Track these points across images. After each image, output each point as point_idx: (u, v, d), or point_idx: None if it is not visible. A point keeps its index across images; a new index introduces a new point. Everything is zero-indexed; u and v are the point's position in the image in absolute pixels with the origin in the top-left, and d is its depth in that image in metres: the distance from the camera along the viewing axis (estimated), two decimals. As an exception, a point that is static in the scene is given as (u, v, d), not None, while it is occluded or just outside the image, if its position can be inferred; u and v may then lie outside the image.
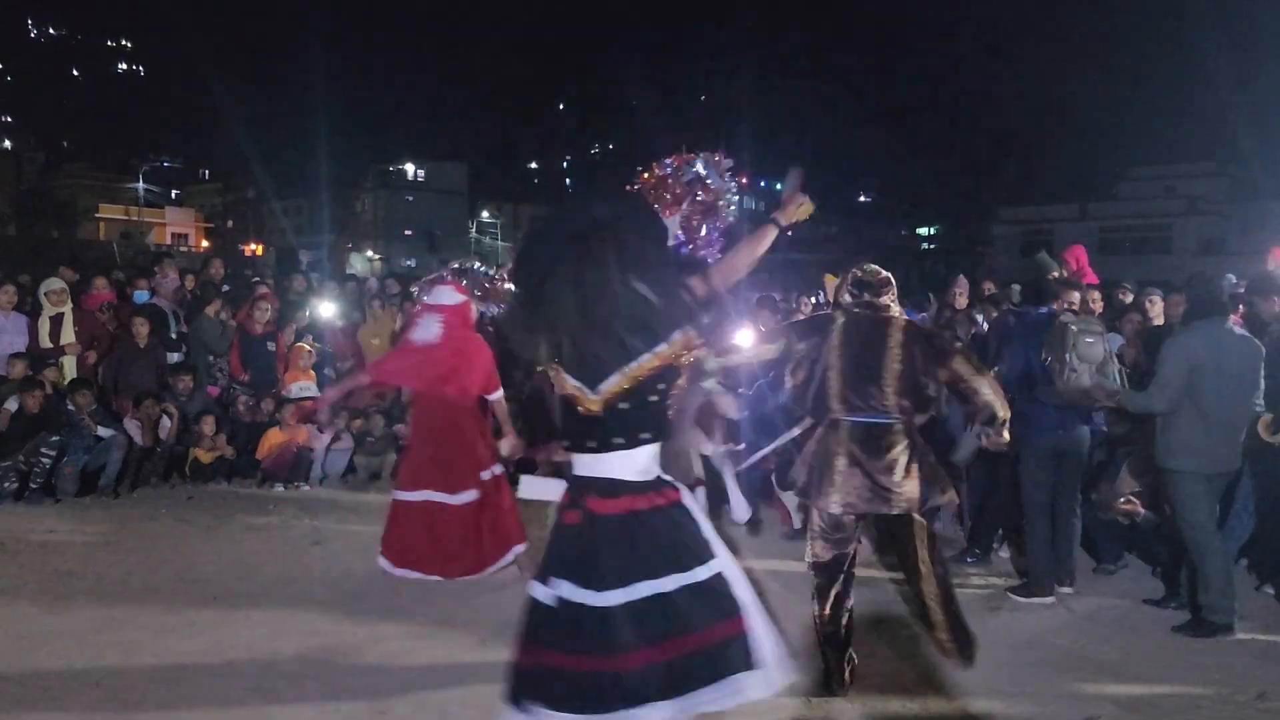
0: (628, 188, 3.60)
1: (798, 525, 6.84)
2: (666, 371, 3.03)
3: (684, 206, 3.57)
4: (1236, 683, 4.45)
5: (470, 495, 5.70)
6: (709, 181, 3.60)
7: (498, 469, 5.84)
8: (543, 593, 2.98)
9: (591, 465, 3.05)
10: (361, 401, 8.67)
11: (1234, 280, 9.76)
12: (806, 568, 4.34)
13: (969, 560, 6.38)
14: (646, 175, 3.67)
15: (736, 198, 3.76)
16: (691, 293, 3.06)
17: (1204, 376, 5.02)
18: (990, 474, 6.58)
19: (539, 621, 2.99)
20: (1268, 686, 4.41)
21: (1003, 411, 4.22)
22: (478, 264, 6.39)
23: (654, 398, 3.02)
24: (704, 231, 3.58)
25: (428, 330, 5.60)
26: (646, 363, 3.01)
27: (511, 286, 3.11)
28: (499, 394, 5.86)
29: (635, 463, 3.07)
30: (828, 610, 4.18)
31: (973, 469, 6.91)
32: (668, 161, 3.71)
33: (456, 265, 6.69)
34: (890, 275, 4.39)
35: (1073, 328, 5.48)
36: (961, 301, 8.51)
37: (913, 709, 4.10)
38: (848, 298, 4.33)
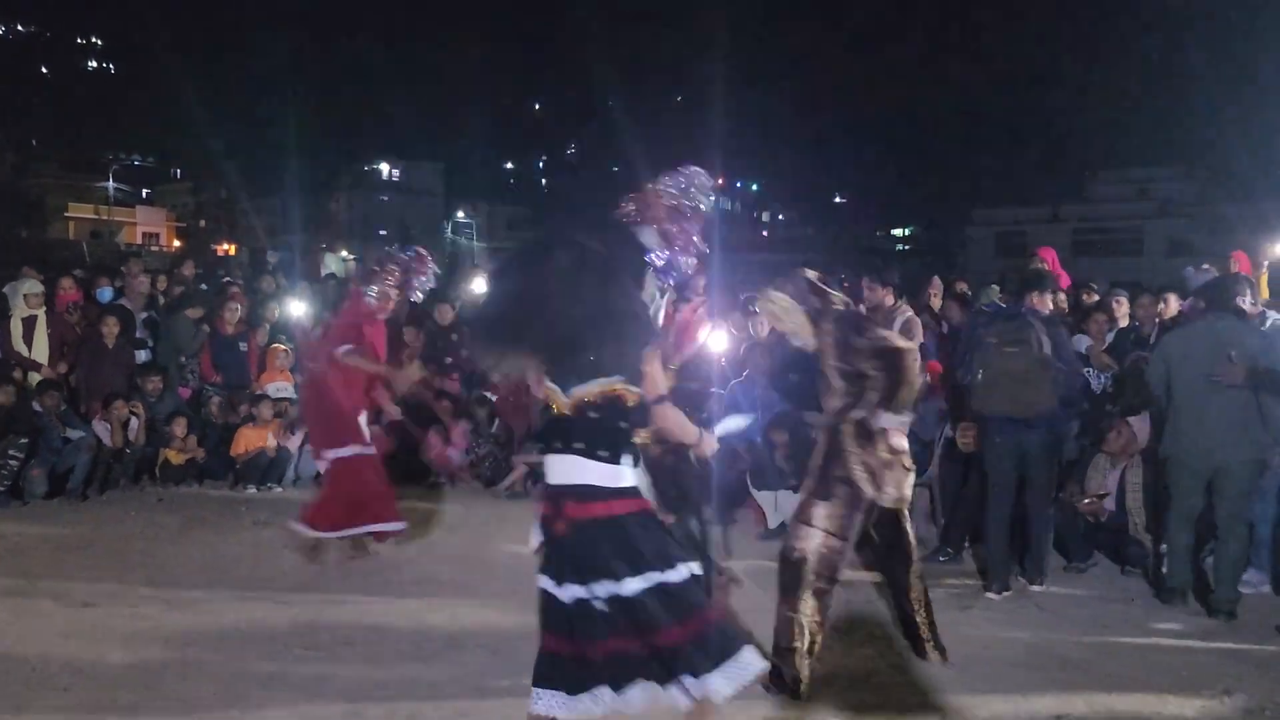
0: (612, 209, 3.65)
1: (773, 525, 6.86)
2: (625, 403, 3.18)
3: (661, 217, 3.61)
4: (1203, 680, 4.51)
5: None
6: (689, 193, 3.64)
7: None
8: (542, 583, 3.22)
9: (559, 468, 3.19)
10: None
11: (1192, 271, 9.88)
12: (812, 572, 4.24)
13: (941, 559, 6.42)
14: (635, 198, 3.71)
15: (712, 198, 3.78)
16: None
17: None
18: (962, 474, 6.63)
19: (542, 608, 3.24)
20: (1232, 683, 4.47)
21: None
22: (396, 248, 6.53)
23: (623, 423, 3.18)
24: (681, 236, 3.60)
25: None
26: (618, 384, 3.16)
27: (481, 303, 3.32)
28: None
29: (596, 470, 3.17)
30: (820, 616, 4.20)
31: (945, 469, 6.97)
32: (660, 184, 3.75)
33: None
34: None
35: (990, 340, 5.64)
36: (936, 302, 8.58)
37: (885, 709, 4.12)
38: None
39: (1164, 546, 5.73)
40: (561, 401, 3.19)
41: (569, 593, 3.13)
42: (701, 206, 3.70)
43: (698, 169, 3.75)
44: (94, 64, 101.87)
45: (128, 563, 6.06)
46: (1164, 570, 5.70)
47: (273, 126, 62.48)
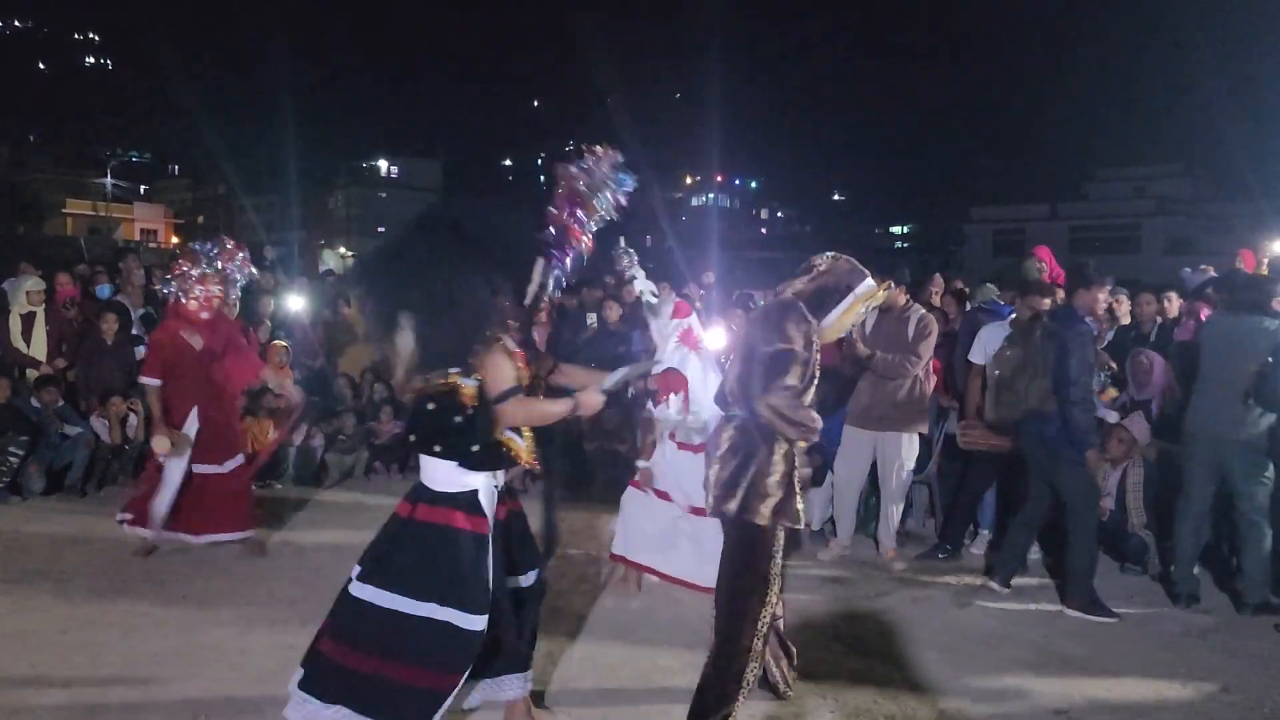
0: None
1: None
2: (460, 397, 3.16)
3: (560, 201, 3.58)
4: (1202, 677, 4.52)
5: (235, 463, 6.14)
6: (593, 178, 3.59)
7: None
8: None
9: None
10: None
11: (1189, 272, 9.91)
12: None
13: (940, 556, 6.43)
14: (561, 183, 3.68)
15: (625, 182, 3.70)
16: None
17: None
18: (961, 472, 6.64)
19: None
20: (1231, 680, 4.48)
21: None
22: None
23: (458, 418, 3.16)
24: (574, 222, 3.56)
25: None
26: (453, 376, 3.16)
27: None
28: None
29: (430, 467, 3.22)
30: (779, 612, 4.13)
31: (944, 466, 6.98)
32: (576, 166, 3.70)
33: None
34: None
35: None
36: (937, 299, 8.57)
37: (884, 705, 4.12)
38: None
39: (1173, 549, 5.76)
40: (408, 390, 3.19)
41: (358, 590, 3.32)
42: (606, 194, 3.64)
43: (609, 151, 3.68)
44: (91, 60, 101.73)
45: (126, 558, 6.04)
46: (1171, 573, 5.73)
47: (271, 123, 62.45)
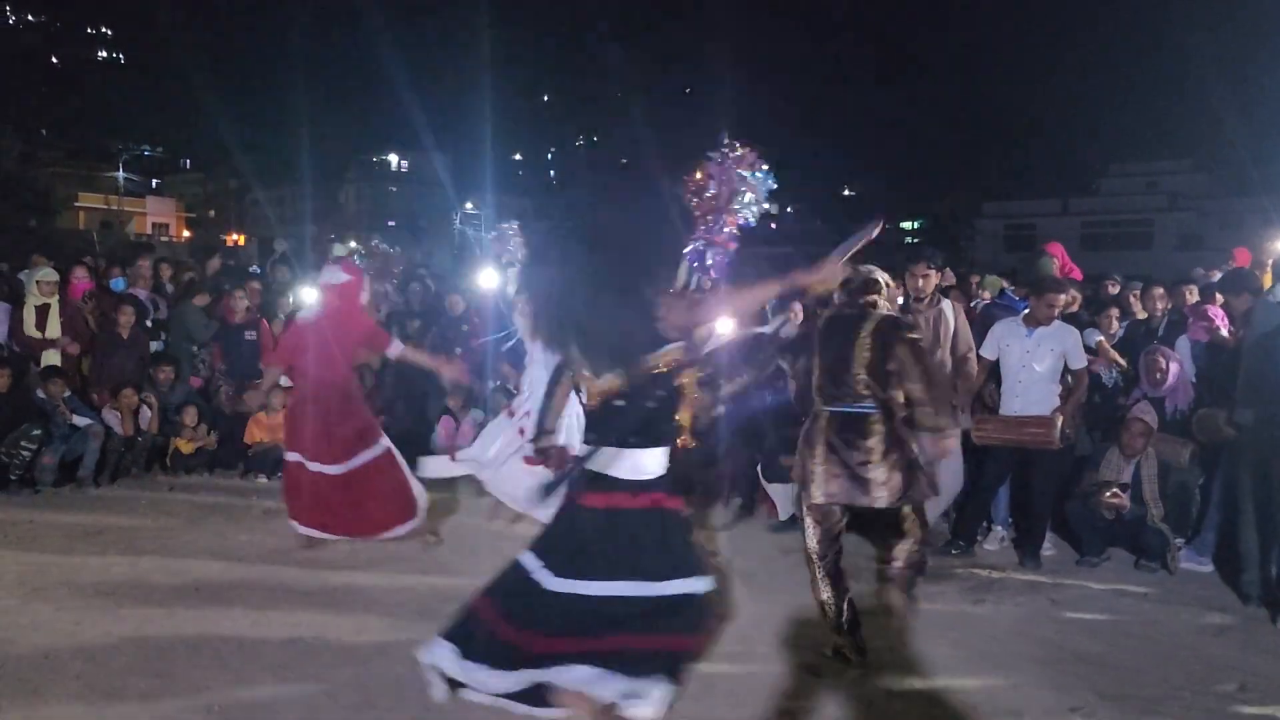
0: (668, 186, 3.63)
1: (784, 517, 6.85)
2: (660, 379, 3.10)
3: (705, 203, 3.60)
4: (1218, 673, 4.50)
5: (349, 465, 6.01)
6: (735, 182, 3.61)
7: (382, 444, 6.15)
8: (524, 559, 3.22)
9: (593, 458, 3.18)
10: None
11: (1202, 272, 9.87)
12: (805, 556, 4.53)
13: (953, 552, 6.40)
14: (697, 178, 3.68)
15: (760, 204, 3.71)
16: (668, 316, 3.19)
17: None
18: (976, 467, 6.61)
19: (501, 580, 3.26)
20: (1248, 677, 4.46)
21: (931, 420, 4.35)
22: (378, 241, 6.53)
23: (650, 404, 3.13)
24: (714, 226, 3.59)
25: (309, 310, 6.19)
26: (644, 364, 3.07)
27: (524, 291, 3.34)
28: (396, 348, 6.40)
29: (627, 460, 3.10)
30: (833, 594, 4.39)
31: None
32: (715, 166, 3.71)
33: (355, 246, 7.01)
34: (879, 279, 4.52)
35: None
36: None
37: (896, 702, 4.11)
38: (837, 297, 4.54)
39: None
40: (598, 390, 3.17)
41: (557, 585, 3.14)
42: (747, 194, 3.66)
43: (748, 151, 3.66)
44: (103, 54, 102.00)
45: (139, 550, 6.07)
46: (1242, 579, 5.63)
47: (282, 117, 62.56)
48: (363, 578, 5.63)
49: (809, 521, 4.47)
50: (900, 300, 6.00)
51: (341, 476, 6.01)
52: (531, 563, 3.22)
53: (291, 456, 6.11)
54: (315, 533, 6.10)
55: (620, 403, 3.16)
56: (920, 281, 6.25)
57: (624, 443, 3.16)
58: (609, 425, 3.18)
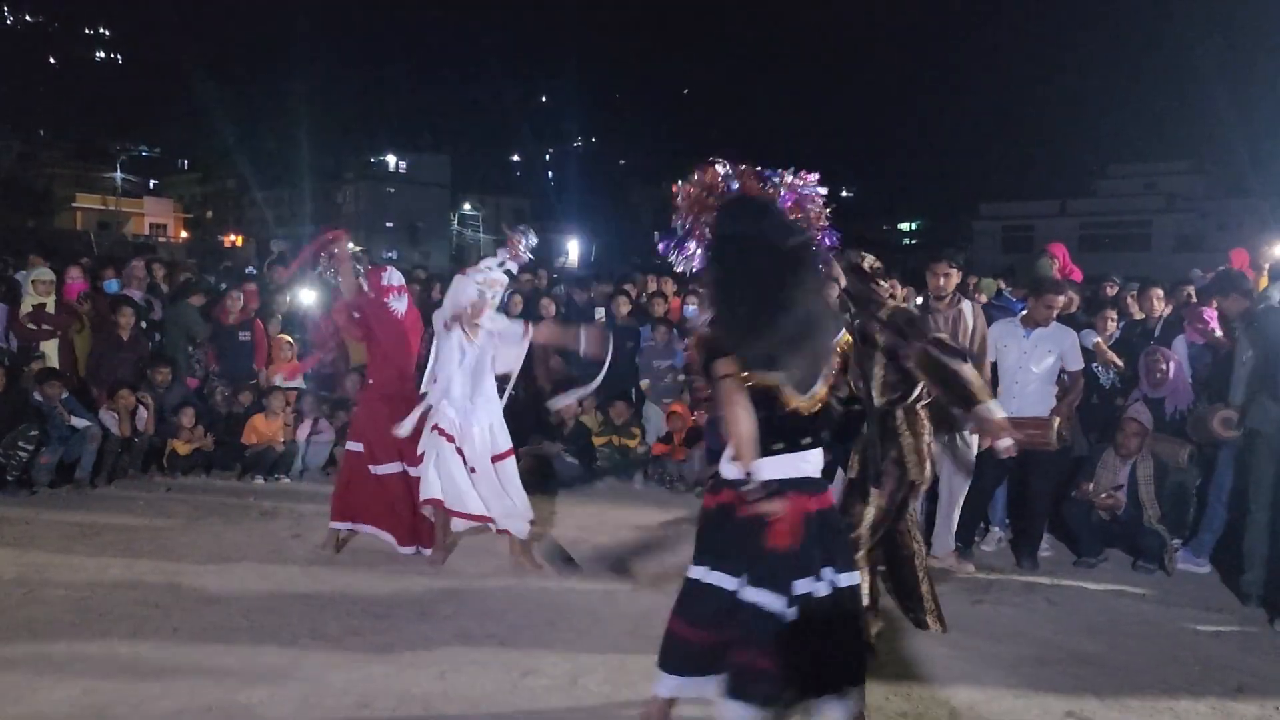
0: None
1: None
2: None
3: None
4: (1216, 675, 4.49)
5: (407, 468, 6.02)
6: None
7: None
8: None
9: (796, 464, 3.28)
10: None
11: (1200, 274, 9.87)
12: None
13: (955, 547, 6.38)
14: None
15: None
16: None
17: None
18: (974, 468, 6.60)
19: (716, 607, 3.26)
20: (1246, 678, 4.46)
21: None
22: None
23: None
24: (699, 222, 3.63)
25: (401, 304, 6.19)
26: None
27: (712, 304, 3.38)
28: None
29: (813, 458, 3.34)
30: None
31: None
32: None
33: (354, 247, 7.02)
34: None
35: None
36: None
37: (895, 703, 4.11)
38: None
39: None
40: (800, 399, 3.24)
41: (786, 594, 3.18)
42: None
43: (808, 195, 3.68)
44: (101, 55, 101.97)
45: (136, 551, 6.06)
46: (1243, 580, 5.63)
47: (280, 118, 62.53)
48: (361, 578, 5.62)
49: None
50: (919, 299, 5.91)
51: (402, 476, 6.04)
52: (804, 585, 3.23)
53: (354, 447, 6.14)
54: (352, 526, 6.13)
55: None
56: (941, 280, 6.07)
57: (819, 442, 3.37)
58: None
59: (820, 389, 3.28)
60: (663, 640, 3.35)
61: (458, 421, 5.71)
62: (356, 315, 6.13)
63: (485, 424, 5.79)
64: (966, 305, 6.17)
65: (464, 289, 5.80)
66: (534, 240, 5.97)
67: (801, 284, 3.20)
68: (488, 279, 5.82)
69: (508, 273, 5.95)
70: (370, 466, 6.03)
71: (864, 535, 4.50)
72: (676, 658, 3.30)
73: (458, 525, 5.78)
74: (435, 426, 5.72)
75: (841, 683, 3.20)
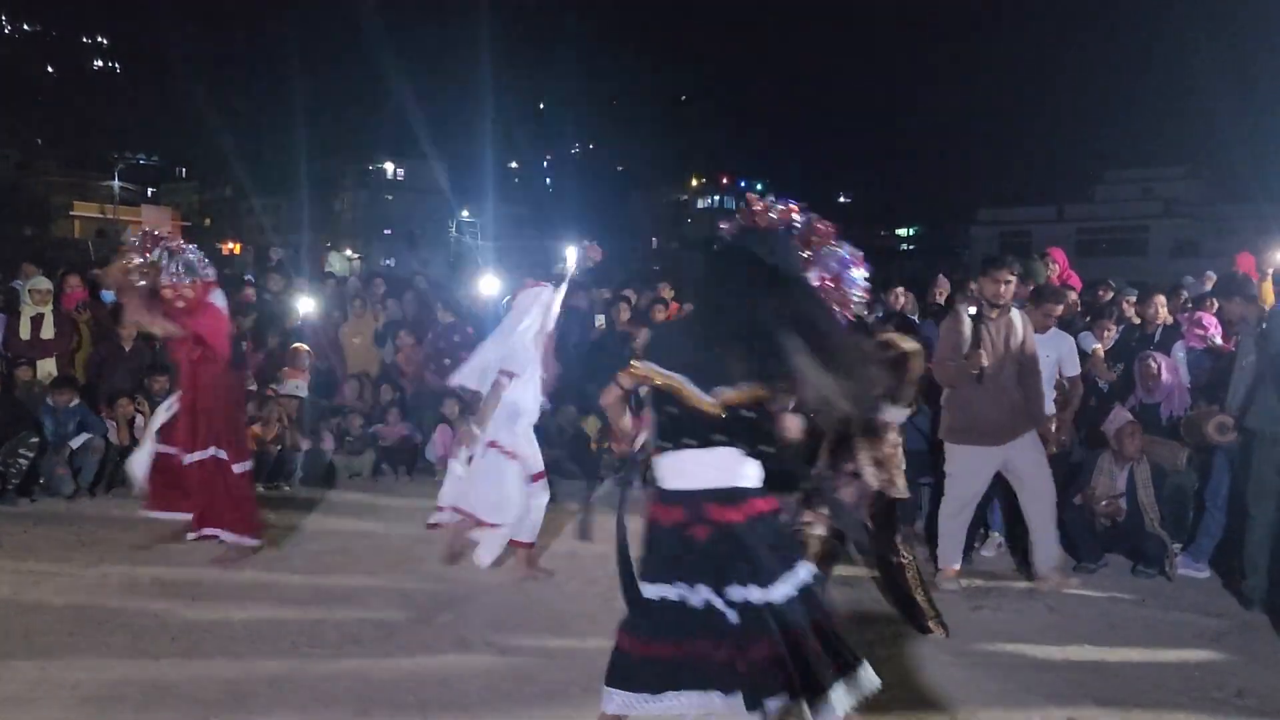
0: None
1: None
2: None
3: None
4: (1216, 680, 4.49)
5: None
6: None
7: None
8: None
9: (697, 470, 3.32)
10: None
11: (1193, 280, 9.90)
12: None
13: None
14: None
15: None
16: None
17: None
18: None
19: (643, 612, 3.34)
20: (1246, 683, 4.45)
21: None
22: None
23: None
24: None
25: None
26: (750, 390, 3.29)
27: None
28: None
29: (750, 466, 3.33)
30: None
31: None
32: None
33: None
34: None
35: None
36: (943, 300, 8.57)
37: (894, 708, 4.10)
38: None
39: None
40: (709, 402, 3.26)
41: (700, 596, 3.21)
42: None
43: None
44: (99, 63, 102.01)
45: (135, 560, 6.04)
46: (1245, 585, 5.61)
47: (278, 126, 62.60)
48: (360, 582, 5.62)
49: None
50: (974, 309, 5.78)
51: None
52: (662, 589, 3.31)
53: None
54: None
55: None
56: (1001, 288, 5.76)
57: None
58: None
59: (731, 394, 3.26)
60: (610, 657, 3.35)
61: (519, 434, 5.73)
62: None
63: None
64: (1016, 314, 5.86)
65: (548, 301, 5.75)
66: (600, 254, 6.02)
67: (784, 298, 3.24)
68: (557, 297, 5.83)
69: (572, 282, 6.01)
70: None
71: (814, 549, 4.55)
72: (621, 674, 3.30)
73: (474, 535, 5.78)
74: (493, 443, 5.65)
75: (786, 690, 3.13)
